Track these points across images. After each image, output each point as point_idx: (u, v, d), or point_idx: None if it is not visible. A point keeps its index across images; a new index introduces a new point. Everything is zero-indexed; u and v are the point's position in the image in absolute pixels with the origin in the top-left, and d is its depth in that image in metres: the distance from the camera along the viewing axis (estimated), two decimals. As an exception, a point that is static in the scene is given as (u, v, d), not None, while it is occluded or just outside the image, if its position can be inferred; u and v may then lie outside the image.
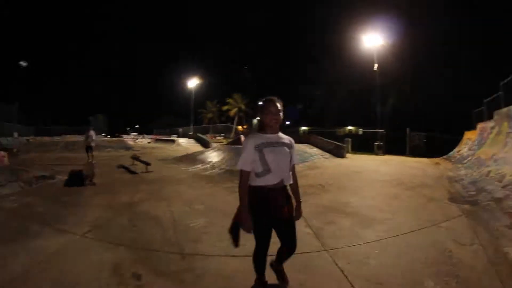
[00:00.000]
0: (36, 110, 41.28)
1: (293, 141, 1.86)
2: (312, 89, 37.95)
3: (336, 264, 2.39)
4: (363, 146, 15.35)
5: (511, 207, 3.66)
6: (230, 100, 38.67)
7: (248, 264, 1.94)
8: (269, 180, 1.69)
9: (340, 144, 11.83)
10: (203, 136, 21.78)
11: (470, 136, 10.11)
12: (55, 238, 2.89)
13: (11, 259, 2.40)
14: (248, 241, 1.84)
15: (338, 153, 11.24)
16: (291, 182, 1.84)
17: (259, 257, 1.82)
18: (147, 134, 33.68)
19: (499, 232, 3.13)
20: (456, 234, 3.11)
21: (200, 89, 34.76)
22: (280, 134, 1.81)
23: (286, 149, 1.76)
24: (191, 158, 9.58)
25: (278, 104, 1.71)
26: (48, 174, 6.31)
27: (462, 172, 6.97)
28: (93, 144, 9.87)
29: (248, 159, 1.68)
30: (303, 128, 30.27)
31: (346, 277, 2.19)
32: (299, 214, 1.88)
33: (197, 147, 17.01)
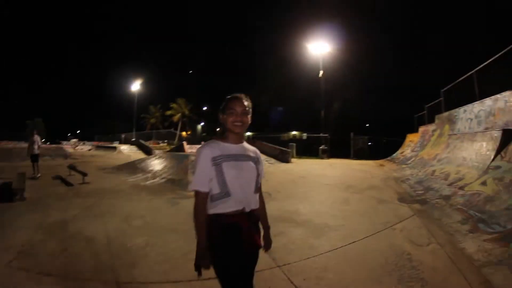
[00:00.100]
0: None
1: (259, 153, 1.42)
2: (257, 95, 38.64)
3: (292, 282, 2.14)
4: (307, 150, 15.72)
5: (460, 204, 3.61)
6: (173, 105, 36.87)
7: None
8: (227, 207, 1.21)
9: (285, 149, 11.82)
10: (146, 143, 20.71)
11: (412, 139, 10.92)
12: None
13: None
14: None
15: (283, 158, 11.10)
16: (257, 207, 1.36)
17: None
18: (88, 141, 31.16)
19: (453, 228, 3.12)
20: (411, 235, 3.05)
21: (143, 93, 32.96)
22: (246, 144, 1.37)
23: (252, 163, 1.32)
24: (132, 167, 9.14)
25: (245, 103, 1.29)
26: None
27: (407, 172, 7.23)
28: (38, 152, 8.01)
29: (204, 176, 1.23)
30: (248, 133, 30.41)
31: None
32: (268, 243, 1.46)
33: (139, 154, 16.25)
